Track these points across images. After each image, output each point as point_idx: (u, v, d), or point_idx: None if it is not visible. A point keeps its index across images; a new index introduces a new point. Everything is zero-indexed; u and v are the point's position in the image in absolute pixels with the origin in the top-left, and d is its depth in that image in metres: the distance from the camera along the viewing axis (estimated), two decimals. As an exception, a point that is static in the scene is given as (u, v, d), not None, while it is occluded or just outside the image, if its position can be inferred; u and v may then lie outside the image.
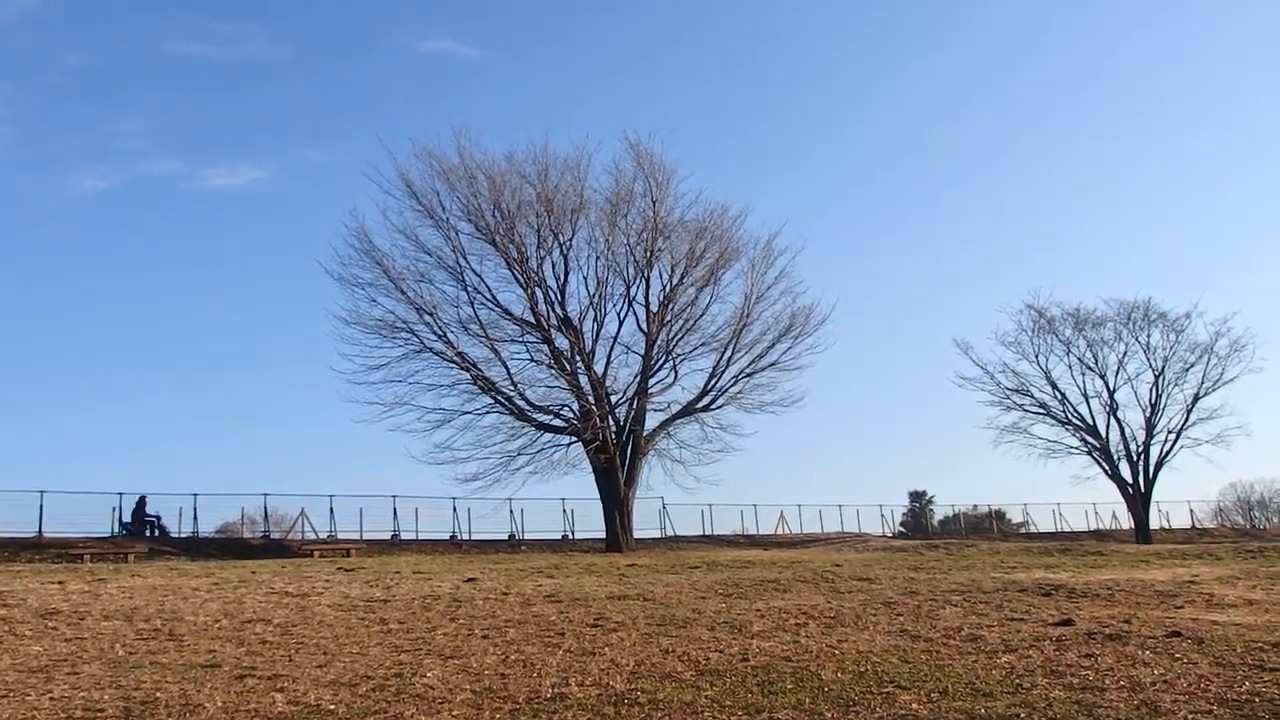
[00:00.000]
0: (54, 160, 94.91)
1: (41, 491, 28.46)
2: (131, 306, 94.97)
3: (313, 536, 32.84)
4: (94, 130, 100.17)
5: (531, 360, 33.51)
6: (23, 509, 27.97)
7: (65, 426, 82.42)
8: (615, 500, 32.30)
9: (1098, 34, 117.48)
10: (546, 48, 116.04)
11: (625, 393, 33.80)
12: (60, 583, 15.65)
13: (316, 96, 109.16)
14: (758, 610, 12.31)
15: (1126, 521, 49.55)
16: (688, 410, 34.67)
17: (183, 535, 31.43)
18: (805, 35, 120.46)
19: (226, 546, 30.08)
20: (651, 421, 34.32)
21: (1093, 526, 51.00)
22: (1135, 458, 48.06)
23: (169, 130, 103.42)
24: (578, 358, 33.16)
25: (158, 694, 7.32)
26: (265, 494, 33.85)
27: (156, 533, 31.26)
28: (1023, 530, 51.52)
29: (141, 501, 31.31)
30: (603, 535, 33.19)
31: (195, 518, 31.38)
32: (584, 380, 33.03)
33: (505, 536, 35.52)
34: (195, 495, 31.58)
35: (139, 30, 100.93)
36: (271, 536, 32.70)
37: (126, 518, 30.92)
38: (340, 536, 32.81)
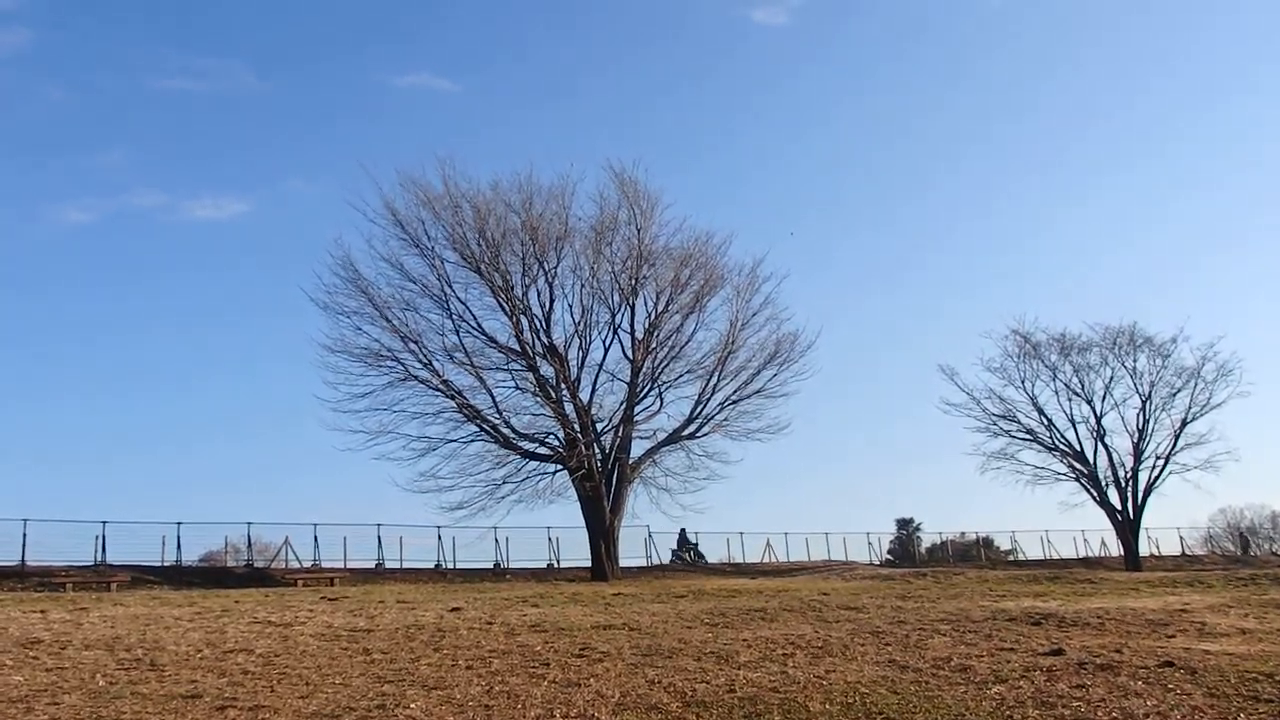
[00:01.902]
0: (35, 193, 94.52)
1: (25, 520, 28.26)
2: (113, 339, 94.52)
3: (296, 565, 32.63)
4: (76, 164, 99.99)
5: (517, 388, 33.58)
6: (5, 538, 27.75)
7: (48, 455, 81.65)
8: (601, 529, 32.16)
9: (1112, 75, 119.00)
10: (522, 78, 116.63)
11: (610, 420, 33.86)
12: (42, 612, 15.44)
13: (299, 130, 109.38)
14: (744, 640, 12.20)
15: (1116, 548, 49.35)
16: (673, 438, 34.64)
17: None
18: (782, 113, 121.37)
19: (209, 575, 29.82)
20: (637, 449, 34.36)
21: (1082, 554, 50.91)
22: (1123, 484, 47.79)
23: (152, 163, 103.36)
24: (563, 385, 33.13)
25: (136, 726, 7.20)
26: (249, 523, 33.72)
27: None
28: (1011, 558, 51.36)
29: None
30: (588, 564, 33.02)
31: (178, 546, 31.14)
32: (569, 408, 32.99)
33: (490, 565, 35.32)
34: (179, 524, 31.35)
35: (122, 66, 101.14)
36: (255, 565, 32.41)
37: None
38: (324, 565, 32.59)
